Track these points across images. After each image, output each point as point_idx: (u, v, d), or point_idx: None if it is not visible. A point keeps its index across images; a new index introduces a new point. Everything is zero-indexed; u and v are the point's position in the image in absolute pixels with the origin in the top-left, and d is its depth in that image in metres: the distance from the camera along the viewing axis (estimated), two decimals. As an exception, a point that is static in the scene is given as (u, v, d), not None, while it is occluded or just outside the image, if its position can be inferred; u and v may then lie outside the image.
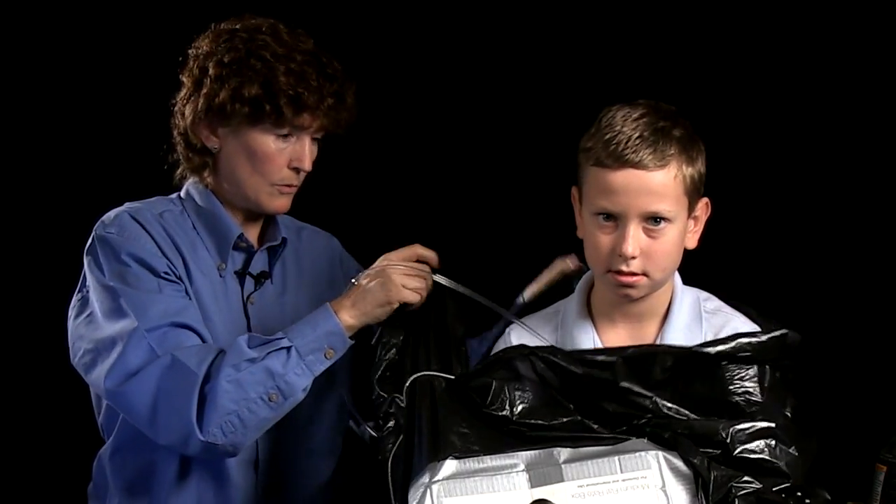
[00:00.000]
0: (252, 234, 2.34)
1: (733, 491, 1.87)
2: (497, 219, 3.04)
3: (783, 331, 2.01)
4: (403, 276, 2.18)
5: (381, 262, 2.22)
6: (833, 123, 2.94)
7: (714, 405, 1.96)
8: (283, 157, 2.24)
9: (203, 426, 2.10)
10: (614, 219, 1.99)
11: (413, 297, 2.17)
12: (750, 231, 2.94)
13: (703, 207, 2.07)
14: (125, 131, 3.07)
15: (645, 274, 2.00)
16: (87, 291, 2.23)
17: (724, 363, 1.97)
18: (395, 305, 2.17)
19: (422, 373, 2.08)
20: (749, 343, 1.99)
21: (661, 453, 1.92)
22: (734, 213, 2.76)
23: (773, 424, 1.93)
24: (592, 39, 3.03)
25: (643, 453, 1.92)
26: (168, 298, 2.18)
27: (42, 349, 2.85)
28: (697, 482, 1.90)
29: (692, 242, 2.07)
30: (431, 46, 3.07)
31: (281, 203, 2.28)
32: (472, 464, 1.94)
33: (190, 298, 2.23)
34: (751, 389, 1.97)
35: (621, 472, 1.90)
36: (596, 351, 2.03)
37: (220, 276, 2.29)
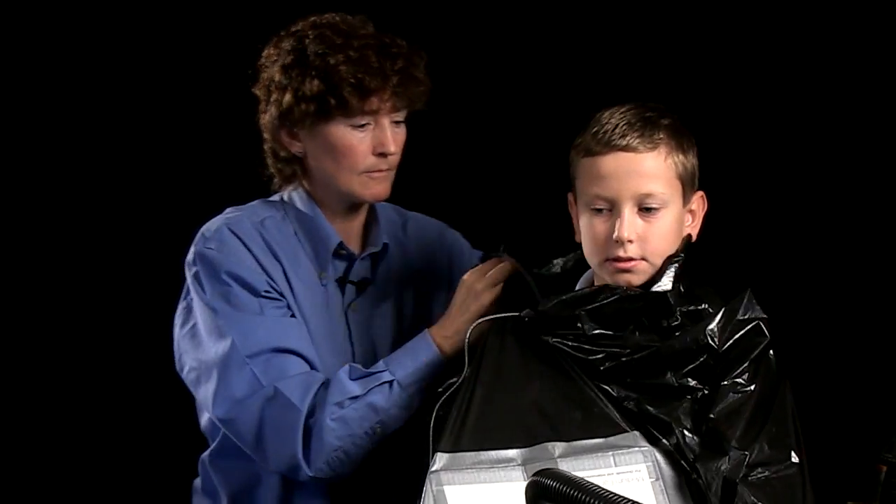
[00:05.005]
0: (354, 238, 2.31)
1: (726, 481, 1.89)
2: (495, 224, 3.05)
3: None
4: (479, 282, 2.16)
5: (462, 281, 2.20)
6: (832, 120, 2.94)
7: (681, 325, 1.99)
8: (365, 145, 2.20)
9: (310, 462, 2.12)
10: (609, 206, 1.99)
11: (491, 294, 2.15)
12: (750, 229, 2.94)
13: (698, 201, 2.07)
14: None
15: (643, 258, 2.00)
16: (191, 300, 2.23)
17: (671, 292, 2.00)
18: (483, 312, 2.13)
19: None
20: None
21: (654, 449, 1.93)
22: (734, 210, 2.77)
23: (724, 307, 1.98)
24: (589, 45, 3.04)
25: (636, 449, 1.93)
26: (269, 321, 2.18)
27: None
28: (689, 477, 1.92)
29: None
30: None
31: (377, 189, 2.23)
32: (469, 456, 1.93)
33: (293, 313, 2.21)
34: (701, 296, 2.00)
35: (615, 466, 1.91)
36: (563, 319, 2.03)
37: (322, 284, 2.27)
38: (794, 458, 1.94)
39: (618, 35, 3.03)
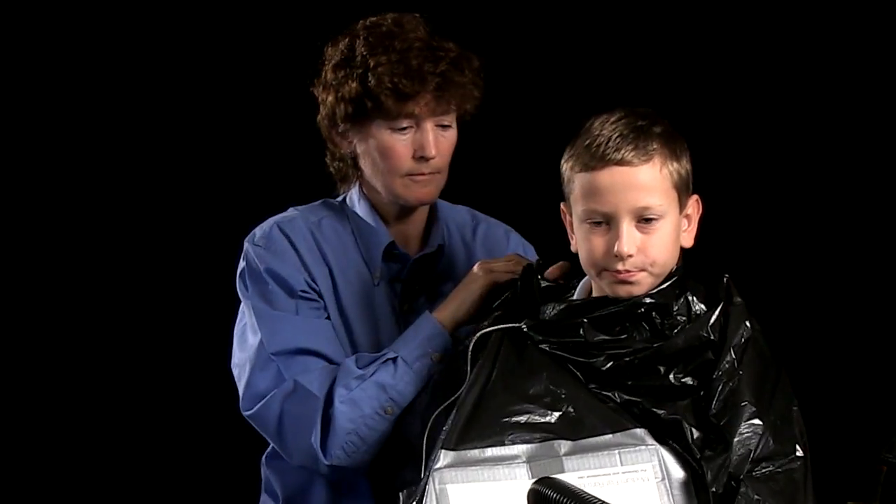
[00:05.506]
0: (412, 239, 2.30)
1: (731, 477, 1.89)
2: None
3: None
4: (493, 265, 2.17)
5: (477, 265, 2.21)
6: (830, 118, 2.96)
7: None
8: (405, 148, 2.17)
9: (326, 450, 2.11)
10: (606, 221, 1.96)
11: (500, 277, 2.15)
12: (748, 229, 2.95)
13: (693, 205, 2.04)
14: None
15: (643, 269, 1.98)
16: None
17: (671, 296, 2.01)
18: (486, 289, 2.15)
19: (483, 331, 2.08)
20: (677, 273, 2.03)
21: (660, 448, 1.93)
22: (732, 211, 2.79)
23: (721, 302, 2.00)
24: (583, 46, 3.06)
25: (642, 447, 1.92)
26: (301, 321, 2.18)
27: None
28: (695, 476, 1.91)
29: (688, 241, 2.05)
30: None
31: (420, 193, 2.20)
32: (473, 454, 1.93)
33: (328, 316, 2.22)
34: (696, 294, 2.01)
35: (621, 465, 1.90)
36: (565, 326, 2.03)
37: (375, 284, 2.26)
38: (800, 452, 1.93)
39: (612, 36, 3.05)
